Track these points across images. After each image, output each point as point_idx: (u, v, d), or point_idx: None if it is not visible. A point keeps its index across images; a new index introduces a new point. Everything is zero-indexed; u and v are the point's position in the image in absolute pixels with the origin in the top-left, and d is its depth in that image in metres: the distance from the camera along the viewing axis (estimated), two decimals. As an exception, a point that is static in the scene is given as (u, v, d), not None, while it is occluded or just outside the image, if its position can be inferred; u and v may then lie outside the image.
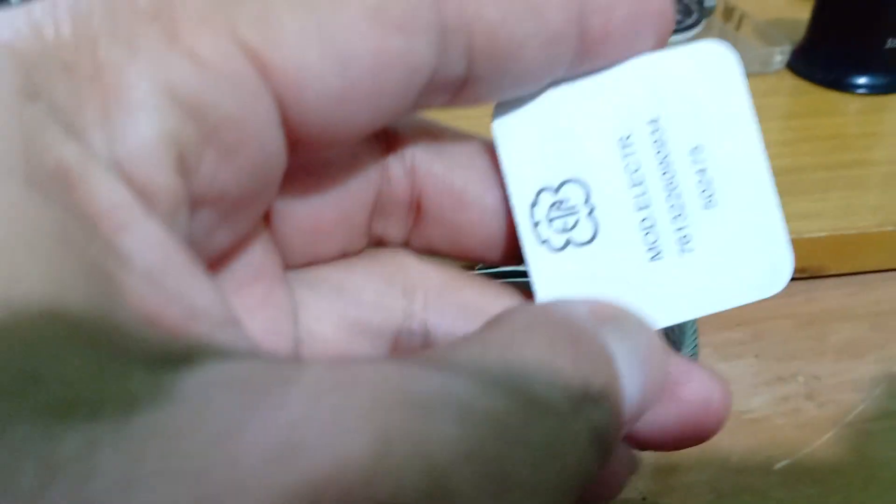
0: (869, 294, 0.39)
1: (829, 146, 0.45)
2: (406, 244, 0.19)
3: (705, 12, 0.55)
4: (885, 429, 0.33)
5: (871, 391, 0.34)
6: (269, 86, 0.12)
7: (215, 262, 0.15)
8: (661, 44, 0.16)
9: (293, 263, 0.18)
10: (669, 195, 0.17)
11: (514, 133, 0.18)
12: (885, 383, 0.35)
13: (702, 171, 0.17)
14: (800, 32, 0.53)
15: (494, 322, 0.14)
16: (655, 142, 0.17)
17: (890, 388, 0.35)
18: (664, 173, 0.17)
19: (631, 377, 0.14)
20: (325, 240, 0.17)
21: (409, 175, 0.18)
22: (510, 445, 0.11)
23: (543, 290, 0.18)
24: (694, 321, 0.31)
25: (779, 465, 0.31)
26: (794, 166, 0.43)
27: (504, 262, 0.19)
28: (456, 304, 0.18)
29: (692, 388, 0.16)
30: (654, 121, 0.17)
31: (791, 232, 0.40)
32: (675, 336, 0.33)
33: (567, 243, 0.18)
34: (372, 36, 0.13)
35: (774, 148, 0.45)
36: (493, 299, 0.18)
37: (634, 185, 0.17)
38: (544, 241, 0.18)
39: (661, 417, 0.16)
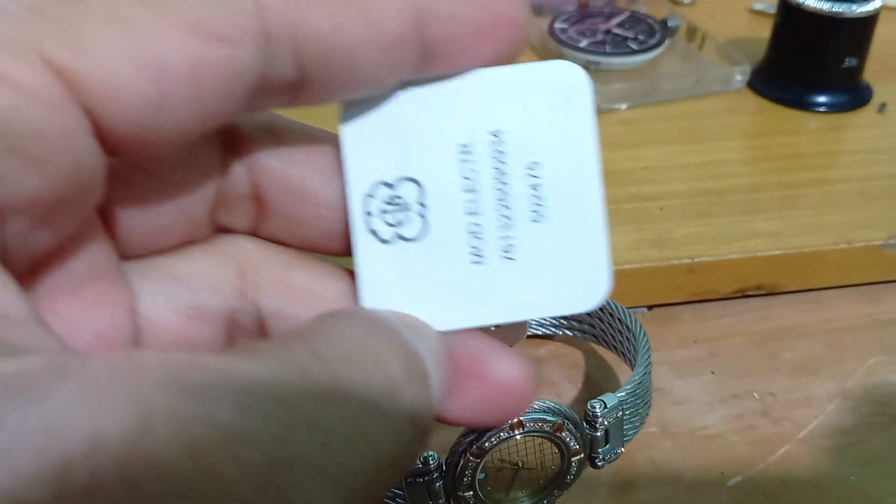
0: (823, 311, 0.39)
1: (788, 164, 0.46)
2: (253, 235, 0.20)
3: (668, 32, 0.56)
4: (839, 445, 0.33)
5: (825, 408, 0.35)
6: (77, 99, 0.13)
7: (42, 264, 0.16)
8: (514, 50, 0.17)
9: (134, 254, 0.18)
10: (500, 205, 0.18)
11: (359, 129, 0.18)
12: (839, 400, 0.35)
13: (536, 186, 0.18)
14: (760, 52, 0.54)
15: (318, 318, 0.16)
16: (495, 152, 0.18)
17: (843, 404, 0.35)
18: (498, 183, 0.18)
19: (433, 370, 0.16)
20: (164, 233, 0.18)
21: (248, 170, 0.19)
22: (296, 429, 0.12)
23: (367, 278, 0.19)
24: (646, 339, 0.32)
25: (732, 482, 0.32)
26: (752, 185, 0.44)
27: (344, 254, 0.20)
28: (287, 285, 0.20)
29: (499, 368, 0.18)
30: (496, 132, 0.18)
31: (747, 250, 0.41)
32: (630, 354, 0.33)
33: (395, 237, 0.19)
34: (189, 47, 0.14)
35: (734, 166, 0.46)
36: (323, 279, 0.20)
37: (467, 191, 0.18)
38: (373, 231, 0.19)
39: (469, 396, 0.18)
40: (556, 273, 0.19)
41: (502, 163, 0.18)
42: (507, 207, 0.18)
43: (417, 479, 0.28)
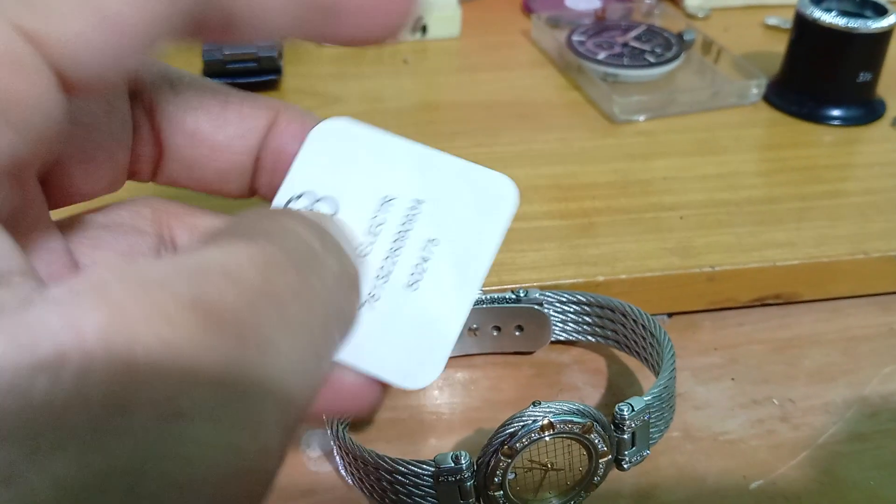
0: (841, 320, 0.40)
1: (804, 177, 0.47)
2: (153, 179, 0.22)
3: (685, 46, 0.57)
4: (856, 451, 0.34)
5: (842, 414, 0.36)
6: (46, 59, 0.15)
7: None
8: (400, 24, 0.19)
9: (67, 203, 0.21)
10: (388, 259, 0.21)
11: (317, 148, 0.21)
12: (856, 406, 0.36)
13: (426, 259, 0.20)
14: (776, 66, 0.55)
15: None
16: (408, 215, 0.21)
17: (861, 411, 0.36)
18: (396, 241, 0.21)
19: (343, 241, 0.18)
20: (96, 179, 0.21)
21: (149, 116, 0.21)
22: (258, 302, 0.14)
23: None
24: (671, 344, 0.32)
25: (753, 486, 0.32)
26: (769, 196, 0.45)
27: (239, 195, 0.23)
28: (192, 227, 0.22)
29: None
30: (418, 201, 0.21)
31: (765, 259, 0.42)
32: (653, 359, 0.34)
33: None
34: None
35: (750, 178, 0.47)
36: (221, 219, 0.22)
37: (368, 234, 0.21)
38: None
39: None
40: (400, 341, 0.20)
41: (408, 228, 0.21)
42: (393, 264, 0.20)
43: (449, 479, 0.29)
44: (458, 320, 0.20)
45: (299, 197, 0.21)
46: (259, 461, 0.13)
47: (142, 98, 0.21)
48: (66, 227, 0.21)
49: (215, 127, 0.21)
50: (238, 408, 0.13)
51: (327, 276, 0.16)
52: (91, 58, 0.15)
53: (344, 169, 0.21)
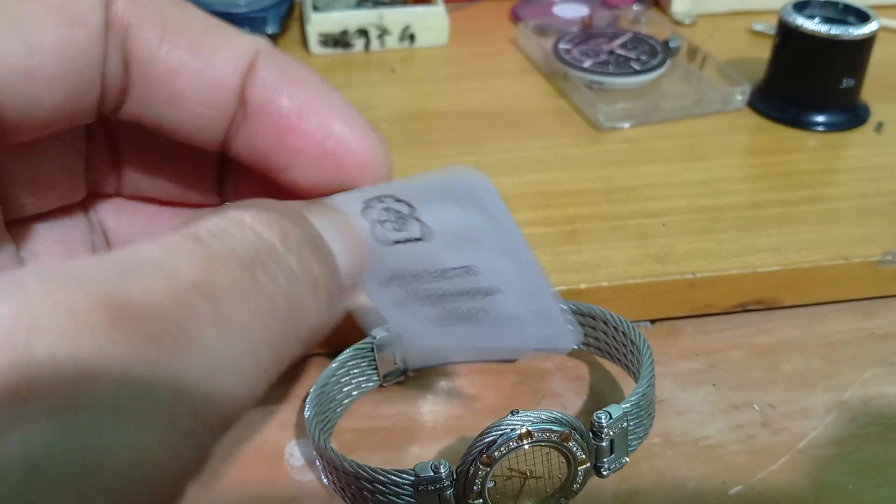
0: (821, 325, 0.41)
1: (787, 182, 0.47)
2: (117, 194, 0.22)
3: (670, 53, 0.58)
4: (836, 455, 0.34)
5: (822, 419, 0.36)
6: None
7: None
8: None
9: (19, 216, 0.20)
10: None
11: (456, 184, 0.20)
12: (836, 411, 0.36)
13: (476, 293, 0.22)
14: (760, 72, 0.55)
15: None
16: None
17: (841, 415, 0.36)
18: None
19: (334, 239, 0.18)
20: (49, 192, 0.20)
21: (122, 53, 0.20)
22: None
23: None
24: (649, 352, 0.33)
25: (733, 491, 0.33)
26: (752, 202, 0.45)
27: (212, 147, 0.21)
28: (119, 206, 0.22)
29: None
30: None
31: (747, 266, 0.42)
32: (634, 366, 0.34)
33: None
34: (56, 27, 0.16)
35: (734, 184, 0.47)
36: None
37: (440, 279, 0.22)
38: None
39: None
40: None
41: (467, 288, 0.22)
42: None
43: (429, 487, 0.29)
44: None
45: (397, 200, 0.20)
46: (166, 459, 0.13)
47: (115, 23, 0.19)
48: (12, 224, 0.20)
49: (196, 57, 0.19)
50: (143, 404, 0.13)
51: (279, 275, 0.16)
52: (8, 82, 0.16)
53: (457, 219, 0.20)
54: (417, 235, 0.21)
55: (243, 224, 0.16)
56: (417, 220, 0.20)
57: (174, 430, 0.13)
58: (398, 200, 0.20)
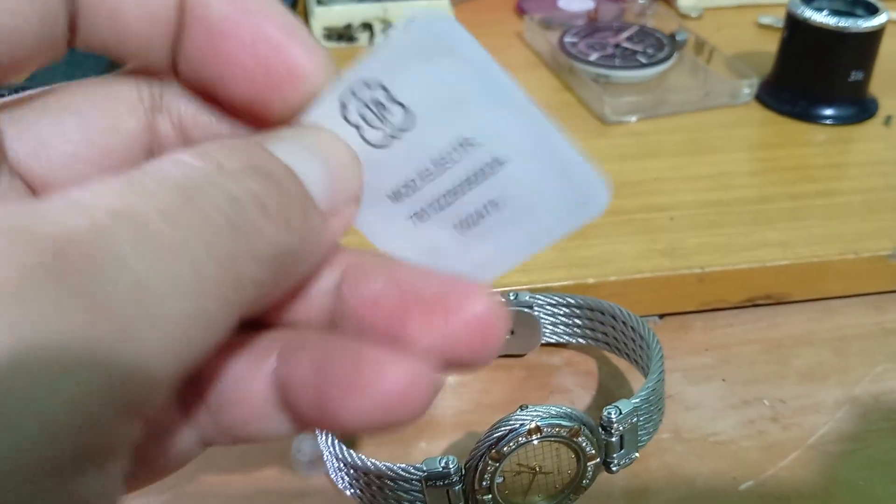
0: (831, 320, 0.40)
1: (795, 176, 0.47)
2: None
3: (677, 46, 0.57)
4: (847, 451, 0.34)
5: (833, 414, 0.36)
6: None
7: None
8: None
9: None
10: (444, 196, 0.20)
11: (418, 39, 0.18)
12: (847, 406, 0.36)
13: (480, 216, 0.20)
14: (767, 65, 0.55)
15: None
16: (482, 170, 0.19)
17: (851, 410, 0.36)
18: (458, 186, 0.19)
19: (303, 162, 0.17)
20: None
21: (177, 130, 0.19)
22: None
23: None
24: (659, 347, 0.32)
25: (743, 487, 0.33)
26: (760, 196, 0.45)
27: (158, 68, 0.20)
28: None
29: (468, 301, 0.17)
30: (499, 162, 0.19)
31: (756, 260, 0.42)
32: (643, 362, 0.34)
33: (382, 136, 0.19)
34: None
35: (742, 178, 0.47)
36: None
37: (435, 164, 0.19)
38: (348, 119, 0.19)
39: (433, 333, 0.17)
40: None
41: (478, 181, 0.19)
42: (448, 204, 0.20)
43: (437, 483, 0.29)
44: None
45: (370, 86, 0.18)
46: (78, 433, 0.12)
47: (165, 111, 0.19)
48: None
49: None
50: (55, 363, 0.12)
51: (217, 197, 0.15)
52: None
53: (435, 82, 0.18)
54: (401, 124, 0.19)
55: (178, 160, 0.15)
56: (396, 102, 0.18)
57: (91, 387, 0.12)
58: (369, 87, 0.18)
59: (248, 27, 0.18)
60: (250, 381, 0.18)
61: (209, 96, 0.19)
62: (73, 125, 0.19)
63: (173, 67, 0.19)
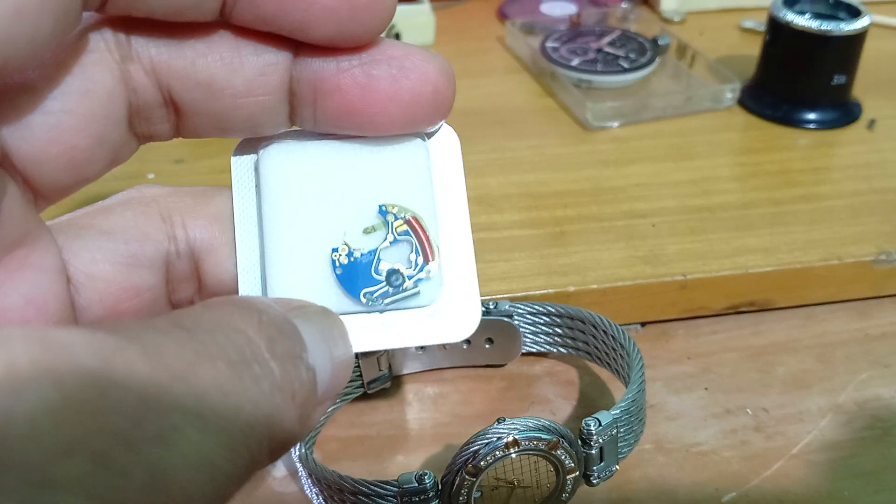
0: (815, 326, 0.40)
1: (778, 181, 0.46)
2: (177, 135, 0.20)
3: (659, 51, 0.57)
4: (831, 460, 0.33)
5: (817, 422, 0.35)
6: None
7: None
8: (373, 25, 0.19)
9: (61, 194, 0.19)
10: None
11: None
12: (831, 414, 0.35)
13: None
14: (750, 69, 0.54)
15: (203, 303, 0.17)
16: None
17: (836, 419, 0.35)
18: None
19: (319, 354, 0.17)
20: (87, 164, 0.19)
21: (151, 77, 0.19)
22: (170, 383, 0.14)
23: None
24: (639, 356, 0.32)
25: (726, 498, 0.32)
26: (742, 202, 0.44)
27: (272, 131, 0.20)
28: (208, 216, 0.21)
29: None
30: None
31: (739, 266, 0.41)
32: (624, 371, 0.33)
33: None
34: None
35: (724, 183, 0.46)
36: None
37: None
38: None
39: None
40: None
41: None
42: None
43: (413, 499, 0.28)
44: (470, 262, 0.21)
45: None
46: None
47: (137, 59, 0.19)
48: (61, 231, 0.19)
49: (230, 71, 0.19)
50: (112, 483, 0.12)
51: (263, 380, 0.15)
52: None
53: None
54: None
55: (230, 325, 0.16)
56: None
57: None
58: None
59: None
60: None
61: (263, 36, 0.19)
62: (48, 93, 0.18)
63: (223, 15, 0.19)
